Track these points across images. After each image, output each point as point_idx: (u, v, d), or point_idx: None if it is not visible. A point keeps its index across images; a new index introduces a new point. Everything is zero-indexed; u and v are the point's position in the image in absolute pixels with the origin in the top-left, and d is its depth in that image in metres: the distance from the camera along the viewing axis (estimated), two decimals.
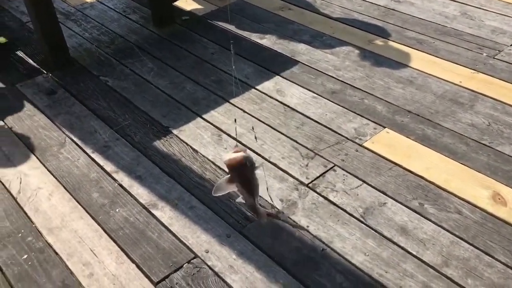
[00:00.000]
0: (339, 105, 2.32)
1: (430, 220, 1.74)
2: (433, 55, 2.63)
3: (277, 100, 2.38)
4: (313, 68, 2.59)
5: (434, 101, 2.31)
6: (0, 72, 2.66)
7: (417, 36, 2.81)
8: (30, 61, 2.76)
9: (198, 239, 1.72)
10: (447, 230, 1.71)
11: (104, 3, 3.35)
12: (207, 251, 1.67)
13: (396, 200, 1.82)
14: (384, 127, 2.17)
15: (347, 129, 2.17)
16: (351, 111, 2.28)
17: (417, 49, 2.69)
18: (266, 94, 2.42)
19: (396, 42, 2.77)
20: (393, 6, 3.12)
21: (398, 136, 2.12)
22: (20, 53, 2.83)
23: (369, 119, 2.22)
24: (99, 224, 1.79)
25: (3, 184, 1.97)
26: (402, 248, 1.65)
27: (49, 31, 2.59)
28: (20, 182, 1.97)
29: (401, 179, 1.91)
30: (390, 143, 2.08)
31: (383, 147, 2.06)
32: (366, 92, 2.39)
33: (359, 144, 2.08)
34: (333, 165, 1.99)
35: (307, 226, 1.74)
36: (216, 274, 1.60)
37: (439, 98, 2.33)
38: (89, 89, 2.52)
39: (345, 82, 2.46)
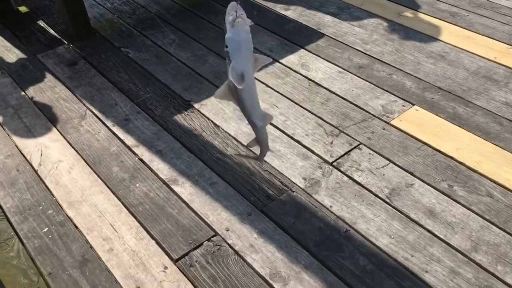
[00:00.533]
0: (366, 80, 2.23)
1: (459, 203, 1.67)
2: (467, 29, 2.51)
3: (301, 74, 2.30)
4: (339, 41, 2.49)
5: (467, 78, 2.20)
6: (21, 42, 2.64)
7: (450, 8, 2.67)
8: (51, 31, 2.73)
9: (219, 217, 1.69)
10: (477, 214, 1.64)
11: None
12: (227, 229, 1.64)
13: (424, 181, 1.75)
14: (413, 105, 2.08)
15: (374, 105, 2.09)
16: (378, 87, 2.19)
17: (449, 23, 2.56)
18: (290, 68, 2.35)
19: (427, 15, 2.64)
20: None
21: (428, 114, 2.03)
22: (41, 23, 2.80)
23: (397, 96, 2.13)
24: (119, 199, 1.77)
25: (24, 156, 1.96)
26: (429, 231, 1.59)
27: (71, 1, 2.54)
28: (41, 154, 1.96)
29: (430, 159, 1.83)
30: (419, 121, 2.00)
31: (411, 126, 1.98)
32: (395, 67, 2.29)
33: (386, 122, 2.00)
34: (358, 143, 1.92)
35: (330, 206, 1.69)
36: (236, 252, 1.57)
37: (472, 74, 2.22)
38: (110, 61, 2.48)
39: (372, 57, 2.37)
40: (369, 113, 2.06)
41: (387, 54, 2.37)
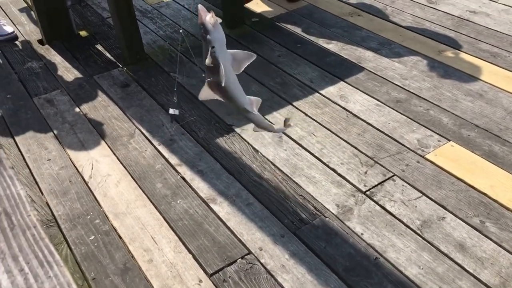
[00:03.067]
0: (403, 114, 2.29)
1: (490, 239, 1.69)
2: (507, 69, 2.54)
3: (340, 105, 2.39)
4: (378, 75, 2.57)
5: (505, 117, 2.22)
6: (80, 64, 2.85)
7: (491, 49, 2.71)
8: (108, 54, 2.93)
9: (253, 236, 1.77)
10: (508, 251, 1.65)
11: (179, 2, 3.49)
12: (260, 249, 1.72)
13: (456, 216, 1.78)
14: (449, 140, 2.12)
15: (409, 139, 2.14)
16: (415, 121, 2.24)
17: (490, 62, 2.60)
18: (329, 99, 2.44)
19: (468, 54, 2.69)
20: (468, 17, 3.03)
21: (463, 151, 2.06)
22: (99, 47, 3.02)
23: (433, 131, 2.17)
24: (160, 213, 1.88)
25: (76, 168, 2.11)
26: (459, 264, 1.62)
27: (127, 28, 2.73)
28: (92, 168, 2.11)
29: (463, 195, 1.86)
30: (454, 157, 2.03)
31: (446, 161, 2.01)
32: (432, 103, 2.34)
33: (421, 156, 2.05)
34: (392, 174, 1.97)
35: (362, 234, 1.74)
36: (268, 272, 1.64)
37: (510, 114, 2.24)
38: (160, 84, 2.64)
39: (411, 92, 2.43)
40: (405, 146, 2.11)
41: (425, 90, 2.43)
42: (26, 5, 3.52)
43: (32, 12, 3.35)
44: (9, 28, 3.10)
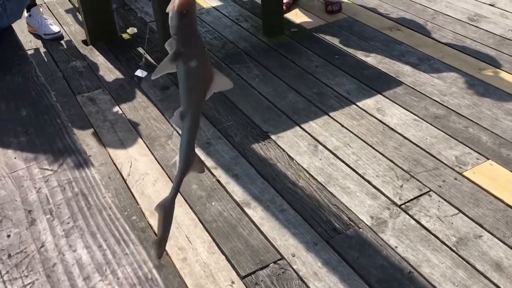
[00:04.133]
0: (441, 130, 2.27)
1: None
2: None
3: (376, 118, 2.39)
4: (417, 90, 2.56)
5: None
6: (122, 65, 2.93)
7: None
8: (149, 57, 3.01)
9: (286, 242, 1.78)
10: None
11: (219, 10, 3.55)
12: (293, 255, 1.73)
13: (493, 235, 1.76)
14: (488, 159, 2.09)
15: (447, 155, 2.13)
16: (453, 138, 2.22)
17: None
18: (366, 111, 2.44)
19: (509, 73, 2.65)
20: (510, 36, 2.99)
21: (502, 170, 2.03)
22: (140, 50, 3.09)
23: (472, 149, 2.15)
24: (195, 214, 1.91)
25: (115, 166, 2.17)
26: (495, 284, 1.59)
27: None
28: (130, 166, 2.16)
29: (501, 214, 1.83)
30: (492, 176, 2.01)
31: (484, 179, 1.99)
32: (472, 120, 2.32)
33: (458, 173, 2.03)
34: (428, 189, 1.96)
35: (395, 247, 1.74)
36: (300, 278, 1.65)
37: None
38: None
39: (449, 108, 2.41)
40: (442, 162, 2.09)
41: (464, 107, 2.41)
42: (72, 6, 3.64)
43: (78, 13, 3.46)
44: (55, 28, 3.21)
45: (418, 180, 2.01)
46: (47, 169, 0.64)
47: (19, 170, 0.64)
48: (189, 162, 1.11)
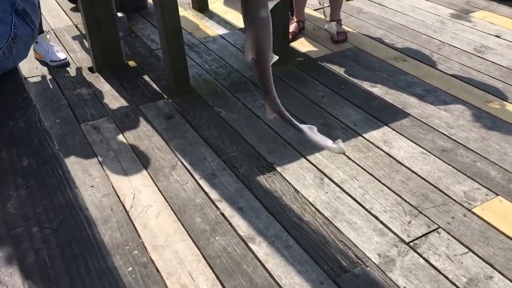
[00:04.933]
0: (449, 164, 2.24)
1: None
2: None
3: (383, 150, 2.36)
4: (424, 122, 2.53)
5: None
6: (127, 93, 2.92)
7: None
8: (154, 85, 3.00)
9: (291, 281, 1.73)
10: None
11: (225, 38, 3.56)
12: None
13: (505, 276, 1.71)
14: (497, 195, 2.05)
15: (455, 191, 2.09)
16: (461, 172, 2.19)
17: None
18: (373, 144, 2.41)
19: None
20: None
21: None
22: (146, 77, 3.10)
23: (481, 184, 2.11)
24: (199, 249, 1.87)
25: (118, 197, 2.14)
26: None
27: (176, 60, 2.80)
28: (133, 197, 2.14)
29: None
30: (502, 213, 1.96)
31: (494, 216, 1.95)
32: (480, 154, 2.28)
33: (467, 209, 1.99)
34: (437, 226, 1.92)
35: (404, 287, 1.69)
36: None
37: None
38: (203, 118, 2.68)
39: (457, 142, 2.38)
40: (450, 197, 2.05)
41: (472, 141, 2.38)
42: (79, 33, 3.66)
43: (84, 40, 3.48)
44: (62, 55, 3.22)
45: (426, 216, 1.96)
46: (46, 227, 0.61)
47: (18, 228, 0.61)
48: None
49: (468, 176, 2.16)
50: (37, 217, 0.63)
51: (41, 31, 3.20)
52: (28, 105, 0.88)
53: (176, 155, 2.39)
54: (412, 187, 2.12)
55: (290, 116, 0.93)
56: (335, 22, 3.43)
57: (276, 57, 0.92)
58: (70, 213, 0.64)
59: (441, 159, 2.27)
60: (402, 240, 1.87)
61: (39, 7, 1.10)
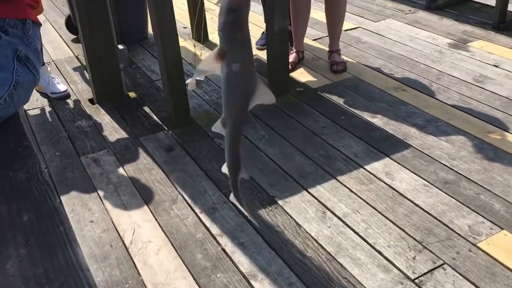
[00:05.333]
0: (452, 197, 2.22)
1: None
2: None
3: (385, 183, 2.34)
4: (425, 154, 2.52)
5: None
6: (127, 125, 2.92)
7: None
8: (154, 117, 3.00)
9: None
10: None
11: None
12: None
13: None
14: (502, 229, 2.03)
15: (460, 224, 2.06)
16: (465, 205, 2.17)
17: None
18: (375, 175, 2.39)
19: None
20: None
21: None
22: (146, 108, 3.10)
23: (485, 217, 2.09)
24: (200, 287, 1.83)
25: (118, 233, 2.11)
26: None
27: (176, 91, 2.80)
28: (133, 233, 2.11)
29: None
30: (508, 248, 1.94)
31: (500, 251, 1.92)
32: (483, 187, 2.27)
33: (472, 244, 1.96)
34: (442, 262, 1.88)
35: None
36: None
37: None
38: (203, 150, 2.66)
39: (459, 173, 2.36)
40: (455, 231, 2.03)
41: (474, 173, 2.36)
42: (80, 64, 3.68)
43: (85, 71, 3.50)
44: (62, 87, 3.23)
45: (431, 252, 1.93)
46: None
47: None
48: (236, 169, 1.06)
49: (472, 209, 2.14)
50: (36, 279, 0.61)
51: (42, 63, 3.22)
52: (29, 154, 0.86)
53: (176, 188, 2.37)
54: (415, 221, 2.10)
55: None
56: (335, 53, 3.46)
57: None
58: (71, 275, 0.62)
59: (444, 192, 2.25)
60: (407, 277, 1.83)
61: (41, 50, 1.10)
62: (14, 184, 0.79)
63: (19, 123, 0.95)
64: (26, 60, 0.97)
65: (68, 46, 4.04)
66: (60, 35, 4.26)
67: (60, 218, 0.72)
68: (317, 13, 4.28)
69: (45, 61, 3.31)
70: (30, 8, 1.00)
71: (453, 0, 4.55)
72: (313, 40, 3.96)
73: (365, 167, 2.46)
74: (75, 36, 4.05)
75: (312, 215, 2.17)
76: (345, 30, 3.92)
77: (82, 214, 2.22)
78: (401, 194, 2.26)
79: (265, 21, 3.64)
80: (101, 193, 2.36)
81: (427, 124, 2.78)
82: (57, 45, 4.08)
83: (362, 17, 4.41)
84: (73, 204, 2.28)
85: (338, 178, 2.40)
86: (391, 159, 2.51)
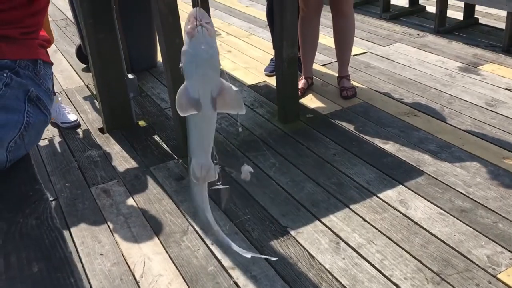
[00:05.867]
0: (469, 226, 2.16)
1: None
2: None
3: (400, 211, 2.29)
4: (440, 181, 2.48)
5: None
6: (137, 154, 2.91)
7: None
8: (164, 146, 2.99)
9: None
10: None
11: None
12: None
13: None
14: None
15: (478, 255, 2.00)
16: (483, 234, 2.11)
17: None
18: (388, 204, 2.35)
19: None
20: None
21: None
22: (156, 137, 3.09)
23: (504, 247, 2.03)
24: None
25: (128, 266, 2.07)
26: None
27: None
28: (144, 266, 2.07)
29: None
30: None
31: None
32: (500, 215, 2.21)
33: (492, 275, 1.90)
34: None
35: None
36: None
37: None
38: (215, 180, 2.63)
39: (476, 201, 2.31)
40: (473, 262, 1.97)
41: (491, 200, 2.31)
42: (90, 93, 3.70)
43: (95, 100, 3.51)
44: (72, 116, 3.24)
45: (450, 284, 1.87)
46: None
47: None
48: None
49: (490, 239, 2.08)
50: None
51: (53, 93, 3.24)
52: (39, 198, 0.85)
53: (187, 219, 2.34)
54: (432, 251, 2.04)
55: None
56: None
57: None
58: None
59: (460, 220, 2.20)
60: None
61: (53, 88, 1.09)
62: (24, 232, 0.77)
63: (30, 164, 0.94)
64: (38, 101, 0.96)
65: (79, 75, 4.08)
66: (71, 65, 4.30)
67: (70, 269, 0.69)
68: (326, 38, 4.30)
69: (55, 91, 3.33)
70: (42, 48, 1.00)
71: (462, 23, 4.55)
72: (322, 65, 3.96)
73: (379, 195, 2.42)
74: (85, 65, 4.09)
75: (326, 246, 2.13)
76: (354, 55, 3.92)
77: (92, 246, 2.19)
78: (417, 223, 2.21)
79: (274, 48, 3.66)
80: (111, 224, 2.33)
81: (440, 150, 2.74)
82: (67, 74, 4.12)
83: (370, 41, 4.42)
84: (83, 236, 2.26)
85: (351, 206, 2.35)
86: (405, 186, 2.46)
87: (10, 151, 0.90)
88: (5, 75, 0.89)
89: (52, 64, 1.05)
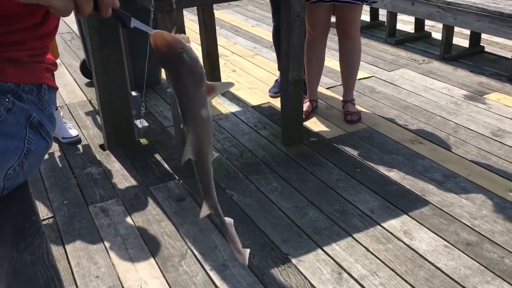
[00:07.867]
0: (475, 260, 2.11)
1: None
2: None
3: (404, 242, 2.24)
4: (445, 212, 2.43)
5: None
6: (138, 173, 2.86)
7: None
8: (165, 165, 2.95)
9: None
10: None
11: (237, 116, 3.55)
12: None
13: None
14: None
15: None
16: (489, 269, 2.06)
17: None
18: (392, 234, 2.30)
19: None
20: None
21: None
22: (157, 156, 3.05)
23: (510, 284, 1.97)
24: None
25: None
26: None
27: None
28: None
29: None
30: None
31: None
32: (507, 250, 2.16)
33: None
34: None
35: None
36: None
37: None
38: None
39: (482, 234, 2.26)
40: None
41: (497, 234, 2.26)
42: (92, 109, 3.67)
43: (97, 115, 3.48)
44: (73, 132, 3.20)
45: None
46: None
47: None
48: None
49: (497, 275, 2.03)
50: None
51: (55, 108, 3.21)
52: (36, 232, 0.80)
53: (186, 243, 2.28)
54: (437, 286, 1.98)
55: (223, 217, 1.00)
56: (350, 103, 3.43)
57: (216, 155, 1.00)
58: None
59: (466, 254, 2.15)
60: None
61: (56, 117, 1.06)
62: (18, 269, 0.72)
63: (27, 193, 0.89)
64: (39, 127, 0.92)
65: (82, 90, 4.06)
66: (74, 79, 4.29)
67: None
68: (331, 61, 4.30)
69: (58, 105, 3.30)
70: (47, 72, 0.97)
71: (467, 51, 4.55)
72: (327, 88, 3.94)
73: (382, 224, 2.37)
74: (89, 80, 4.07)
75: (328, 276, 2.07)
76: (359, 79, 3.90)
77: (87, 268, 2.13)
78: (421, 256, 2.15)
79: (279, 69, 3.64)
80: (108, 245, 2.27)
81: (446, 179, 2.70)
82: (70, 88, 4.10)
83: (376, 66, 4.41)
84: (79, 257, 2.20)
85: (354, 235, 2.30)
86: (409, 216, 2.41)
87: (8, 178, 0.86)
88: (7, 100, 0.86)
89: (57, 88, 1.02)
